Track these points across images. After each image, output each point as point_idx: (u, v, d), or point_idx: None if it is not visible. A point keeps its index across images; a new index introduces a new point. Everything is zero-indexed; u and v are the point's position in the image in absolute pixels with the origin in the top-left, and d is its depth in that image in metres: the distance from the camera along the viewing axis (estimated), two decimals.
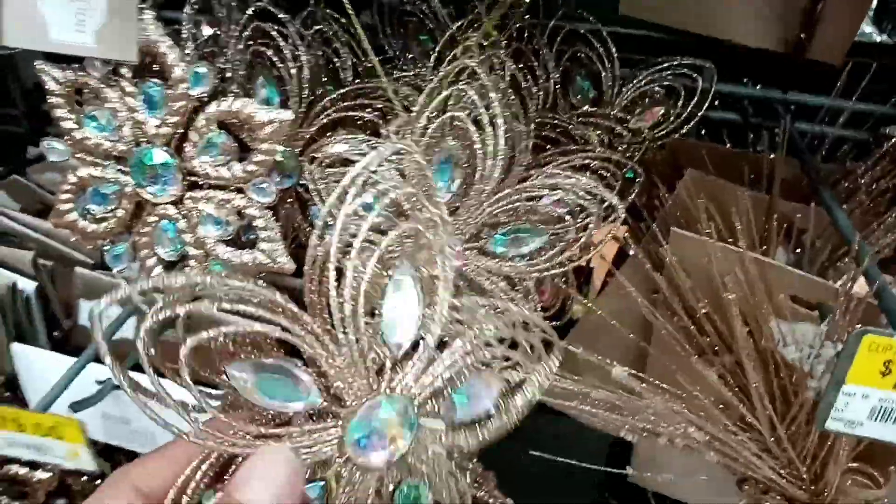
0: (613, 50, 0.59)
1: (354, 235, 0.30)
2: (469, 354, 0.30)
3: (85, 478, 0.69)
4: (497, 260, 0.43)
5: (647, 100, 0.59)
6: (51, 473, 0.70)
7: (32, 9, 0.43)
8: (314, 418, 0.33)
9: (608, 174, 0.48)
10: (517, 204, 0.42)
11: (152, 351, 0.30)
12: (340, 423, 0.32)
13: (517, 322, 0.30)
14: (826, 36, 0.60)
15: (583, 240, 0.42)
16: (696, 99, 0.59)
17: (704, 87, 0.60)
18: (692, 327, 0.50)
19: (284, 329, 0.30)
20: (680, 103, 0.59)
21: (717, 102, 0.63)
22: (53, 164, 0.79)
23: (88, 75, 0.45)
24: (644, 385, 0.45)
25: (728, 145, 0.69)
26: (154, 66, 0.45)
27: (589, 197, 0.42)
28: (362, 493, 0.32)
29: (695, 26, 0.61)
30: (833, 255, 0.54)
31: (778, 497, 0.53)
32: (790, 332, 0.46)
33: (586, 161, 0.47)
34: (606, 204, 0.42)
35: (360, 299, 0.30)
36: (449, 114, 0.41)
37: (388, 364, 0.31)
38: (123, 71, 0.45)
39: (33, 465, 0.69)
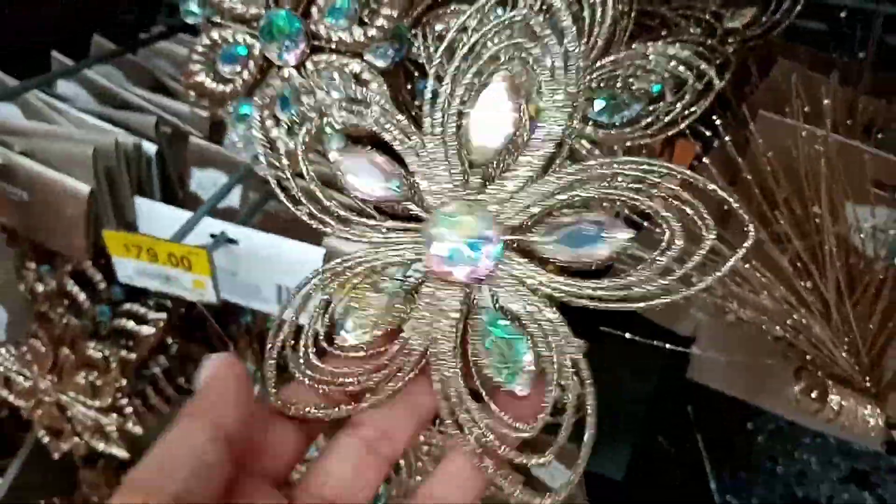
0: None
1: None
2: (584, 177, 0.33)
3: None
4: (591, 125, 0.47)
5: None
6: (154, 329, 0.77)
7: None
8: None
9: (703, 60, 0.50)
10: (617, 72, 0.45)
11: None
12: (421, 225, 0.35)
13: None
14: None
15: (677, 110, 0.45)
16: (788, 2, 0.60)
17: None
18: (769, 214, 0.53)
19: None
20: (772, 6, 0.60)
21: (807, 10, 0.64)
22: (161, 50, 0.84)
23: None
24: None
25: None
26: None
27: (685, 70, 0.45)
28: (443, 318, 0.34)
29: None
30: None
31: (833, 384, 0.56)
32: (866, 215, 0.49)
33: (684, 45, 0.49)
34: (705, 80, 0.45)
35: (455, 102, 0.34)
36: None
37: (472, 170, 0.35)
38: None
39: (142, 320, 0.76)
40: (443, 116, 0.35)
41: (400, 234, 0.37)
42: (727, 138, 0.50)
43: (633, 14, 0.47)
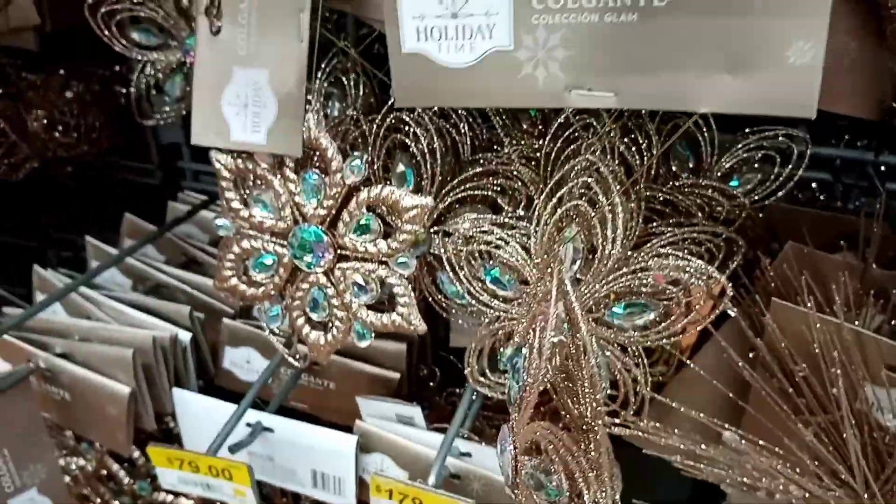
0: (711, 119, 0.63)
1: None
2: None
3: None
4: (612, 330, 0.49)
5: (744, 167, 0.64)
6: (192, 502, 0.78)
7: (217, 115, 0.51)
8: None
9: (710, 244, 0.53)
10: (630, 279, 0.47)
11: None
12: None
13: None
14: None
15: (692, 315, 0.47)
16: (791, 164, 0.63)
17: (800, 150, 0.63)
18: (790, 389, 0.54)
19: None
20: (776, 169, 0.63)
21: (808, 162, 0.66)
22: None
23: (257, 165, 0.53)
24: (745, 442, 0.49)
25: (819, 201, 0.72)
26: (314, 156, 0.53)
27: (696, 273, 0.47)
28: None
29: None
30: None
31: None
32: (885, 397, 0.50)
33: (693, 235, 0.52)
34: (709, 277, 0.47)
35: None
36: (572, 203, 0.47)
37: None
38: (287, 161, 0.52)
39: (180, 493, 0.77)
40: None
41: None
42: (741, 319, 0.52)
43: (640, 216, 0.50)
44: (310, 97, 0.52)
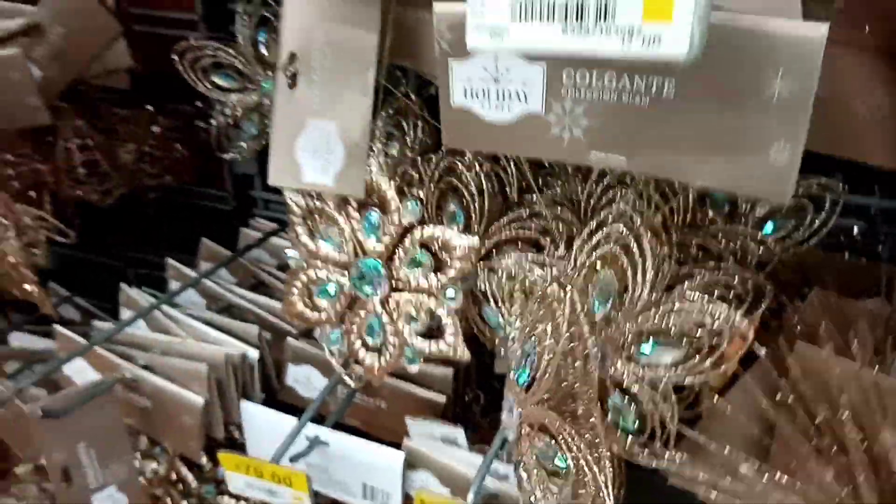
0: None
1: None
2: None
3: None
4: (642, 367, 0.53)
5: (777, 213, 0.67)
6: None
7: (292, 159, 0.57)
8: None
9: (741, 289, 0.56)
10: (659, 320, 0.52)
11: None
12: None
13: None
14: None
15: (716, 355, 0.51)
16: (825, 213, 0.66)
17: (834, 198, 0.66)
18: (811, 431, 0.57)
19: None
20: (809, 217, 0.66)
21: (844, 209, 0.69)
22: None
23: (325, 204, 0.59)
24: (768, 477, 0.53)
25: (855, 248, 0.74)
26: (374, 197, 0.58)
27: (719, 318, 0.51)
28: None
29: (822, 147, 0.68)
30: None
31: None
32: None
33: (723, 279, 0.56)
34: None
35: None
36: (604, 249, 0.52)
37: None
38: (351, 201, 0.58)
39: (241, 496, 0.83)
40: None
41: None
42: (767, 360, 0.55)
43: (672, 258, 0.54)
44: (372, 140, 0.59)
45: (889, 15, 0.61)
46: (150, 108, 0.93)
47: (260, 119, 0.82)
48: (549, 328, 0.50)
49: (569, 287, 0.50)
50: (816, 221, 0.65)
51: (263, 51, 0.77)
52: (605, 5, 0.27)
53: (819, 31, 0.30)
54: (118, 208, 0.95)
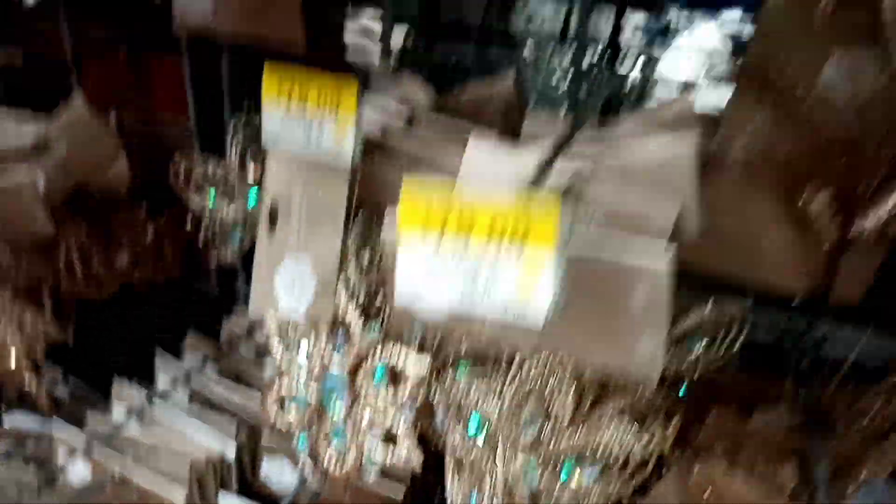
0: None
1: None
2: None
3: None
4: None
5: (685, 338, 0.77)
6: None
7: (271, 291, 0.67)
8: None
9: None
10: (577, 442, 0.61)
11: None
12: None
13: None
14: (844, 285, 0.76)
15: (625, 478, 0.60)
16: (733, 333, 0.76)
17: (740, 320, 0.76)
18: None
19: None
20: (717, 342, 0.75)
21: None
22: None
23: (298, 324, 0.68)
24: None
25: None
26: (341, 320, 0.68)
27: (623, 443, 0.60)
28: None
29: (737, 273, 0.78)
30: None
31: None
32: None
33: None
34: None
35: None
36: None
37: None
38: (321, 326, 0.68)
39: None
40: None
41: None
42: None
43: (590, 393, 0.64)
44: (343, 269, 0.68)
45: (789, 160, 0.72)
46: (144, 211, 1.02)
47: (244, 229, 0.91)
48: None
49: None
50: (726, 341, 0.75)
51: (251, 169, 0.87)
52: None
53: (662, 264, 0.40)
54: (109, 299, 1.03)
